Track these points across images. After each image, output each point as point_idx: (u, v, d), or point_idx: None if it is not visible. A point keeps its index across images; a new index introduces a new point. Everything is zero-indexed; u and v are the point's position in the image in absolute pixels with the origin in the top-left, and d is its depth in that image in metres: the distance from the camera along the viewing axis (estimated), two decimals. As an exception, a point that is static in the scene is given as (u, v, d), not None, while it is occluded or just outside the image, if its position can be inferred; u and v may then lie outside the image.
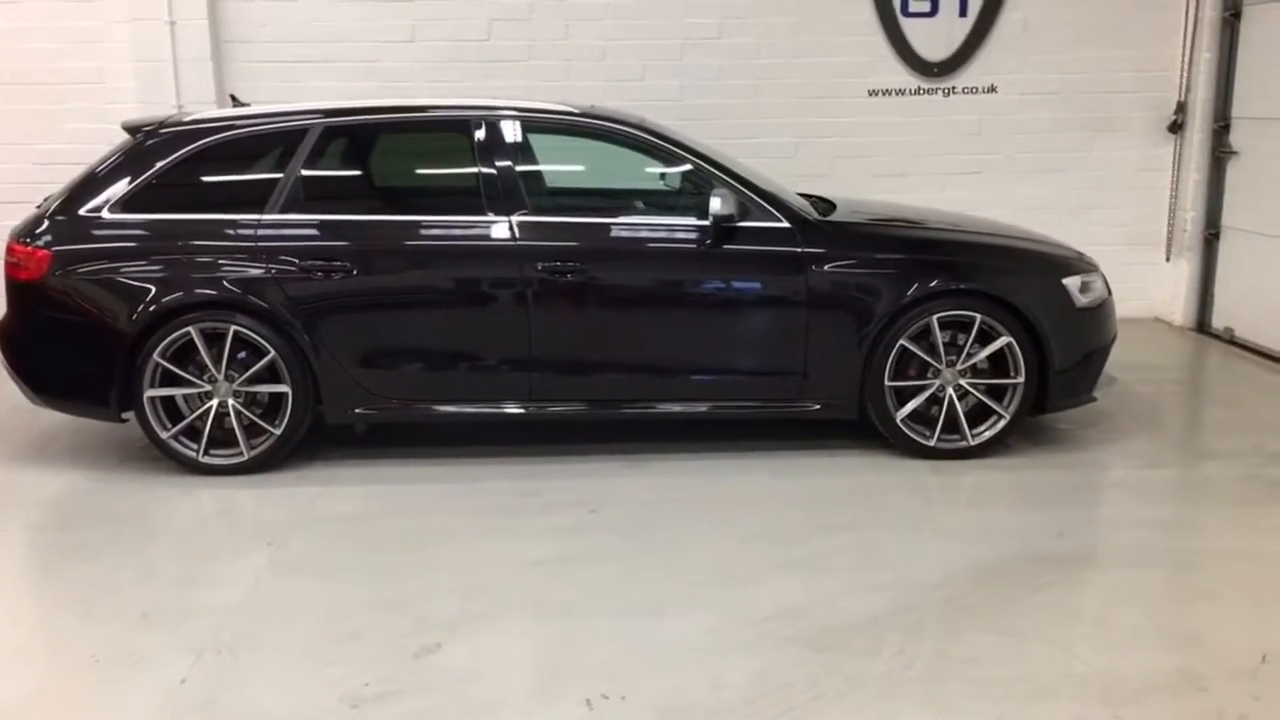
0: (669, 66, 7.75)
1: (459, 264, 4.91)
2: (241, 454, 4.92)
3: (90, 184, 4.97)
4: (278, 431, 4.91)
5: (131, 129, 5.08)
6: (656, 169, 5.17)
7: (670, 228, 5.02)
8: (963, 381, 5.03)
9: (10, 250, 4.94)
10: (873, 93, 7.88)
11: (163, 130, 5.01)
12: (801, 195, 5.72)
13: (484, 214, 4.90)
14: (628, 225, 5.06)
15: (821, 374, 5.00)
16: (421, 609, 3.64)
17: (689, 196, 5.11)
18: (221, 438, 4.95)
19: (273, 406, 4.94)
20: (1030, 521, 4.37)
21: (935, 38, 7.80)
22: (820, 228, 5.02)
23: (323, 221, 4.91)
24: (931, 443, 5.04)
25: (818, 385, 5.01)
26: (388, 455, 5.14)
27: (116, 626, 3.55)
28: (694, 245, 4.94)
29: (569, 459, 5.07)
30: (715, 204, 4.77)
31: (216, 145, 4.99)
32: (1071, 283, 5.08)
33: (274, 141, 5.01)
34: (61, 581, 3.97)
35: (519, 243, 4.86)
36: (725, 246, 4.92)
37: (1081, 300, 5.09)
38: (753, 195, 4.98)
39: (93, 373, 4.88)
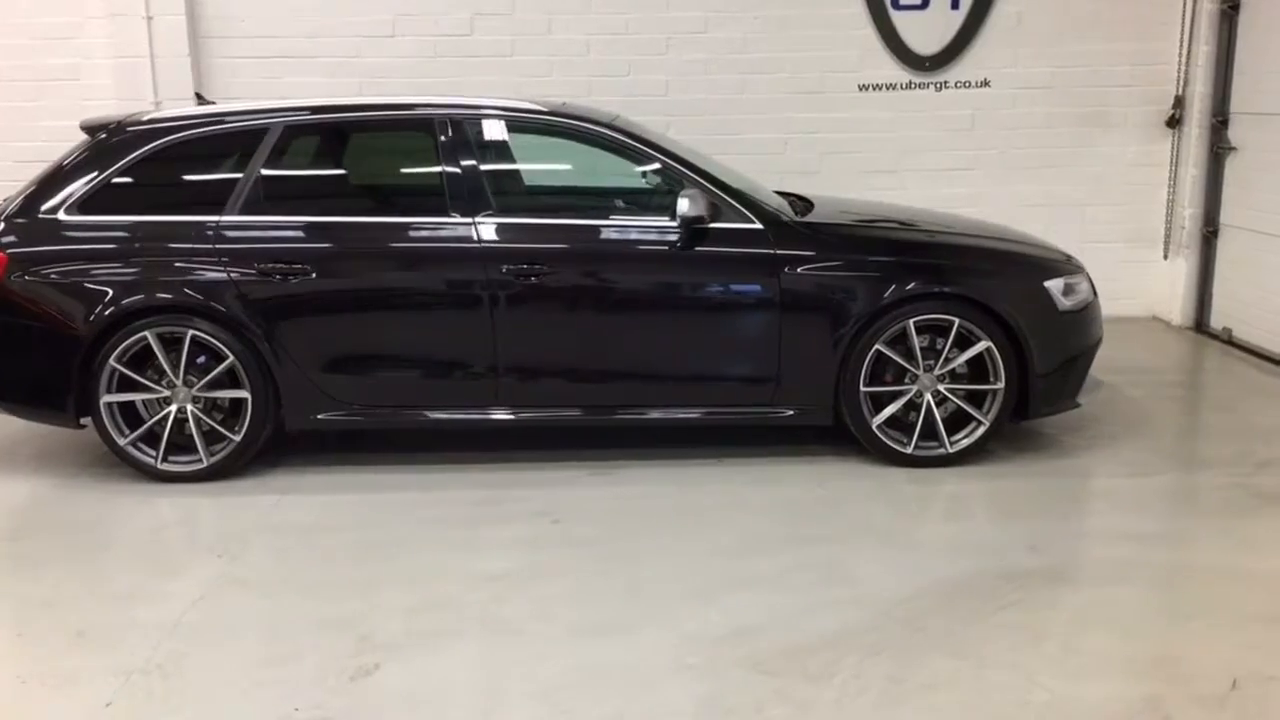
0: (654, 62, 7.61)
1: (421, 266, 4.79)
2: (201, 461, 4.81)
3: (48, 185, 4.87)
4: (237, 438, 4.80)
5: (90, 129, 4.97)
6: (627, 169, 5.02)
7: (638, 229, 4.88)
8: (941, 387, 4.89)
9: (-33, 252, 4.83)
10: (863, 87, 7.72)
11: (121, 130, 4.90)
12: (781, 194, 5.59)
13: (447, 215, 4.78)
14: (594, 227, 4.91)
15: (795, 379, 4.86)
16: (366, 627, 3.52)
17: (660, 197, 4.98)
18: (182, 444, 4.84)
19: (234, 412, 4.84)
20: (1005, 534, 4.23)
21: (927, 31, 7.64)
22: (794, 229, 4.88)
23: (281, 223, 4.79)
24: (909, 450, 4.90)
25: (791, 391, 4.88)
26: (352, 461, 5.03)
27: (50, 645, 3.45)
28: (662, 247, 4.81)
29: (536, 466, 4.95)
30: (683, 205, 4.64)
31: (175, 145, 4.87)
32: (1054, 285, 4.92)
33: (234, 141, 4.90)
34: (1, 596, 3.86)
35: (482, 244, 4.73)
36: (695, 248, 4.78)
37: (1064, 303, 4.93)
38: (724, 195, 4.83)
39: (49, 378, 4.77)
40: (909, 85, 7.73)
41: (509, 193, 5.09)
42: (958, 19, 7.63)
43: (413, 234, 4.80)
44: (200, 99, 5.70)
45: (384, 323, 4.81)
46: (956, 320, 4.80)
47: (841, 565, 3.96)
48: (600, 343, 4.84)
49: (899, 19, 7.62)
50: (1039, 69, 7.67)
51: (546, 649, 3.38)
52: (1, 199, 5.07)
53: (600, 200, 5.38)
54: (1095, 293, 5.19)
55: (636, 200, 5.21)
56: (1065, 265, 5.11)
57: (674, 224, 4.73)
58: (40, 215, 4.80)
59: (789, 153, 7.74)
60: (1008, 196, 7.76)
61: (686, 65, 7.62)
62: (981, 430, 4.90)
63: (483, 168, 4.86)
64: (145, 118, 4.97)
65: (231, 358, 4.73)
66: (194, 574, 3.94)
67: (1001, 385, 4.85)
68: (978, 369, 4.90)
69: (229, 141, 4.91)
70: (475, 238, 4.74)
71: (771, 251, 4.78)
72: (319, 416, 4.85)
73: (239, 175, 4.82)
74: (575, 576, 3.89)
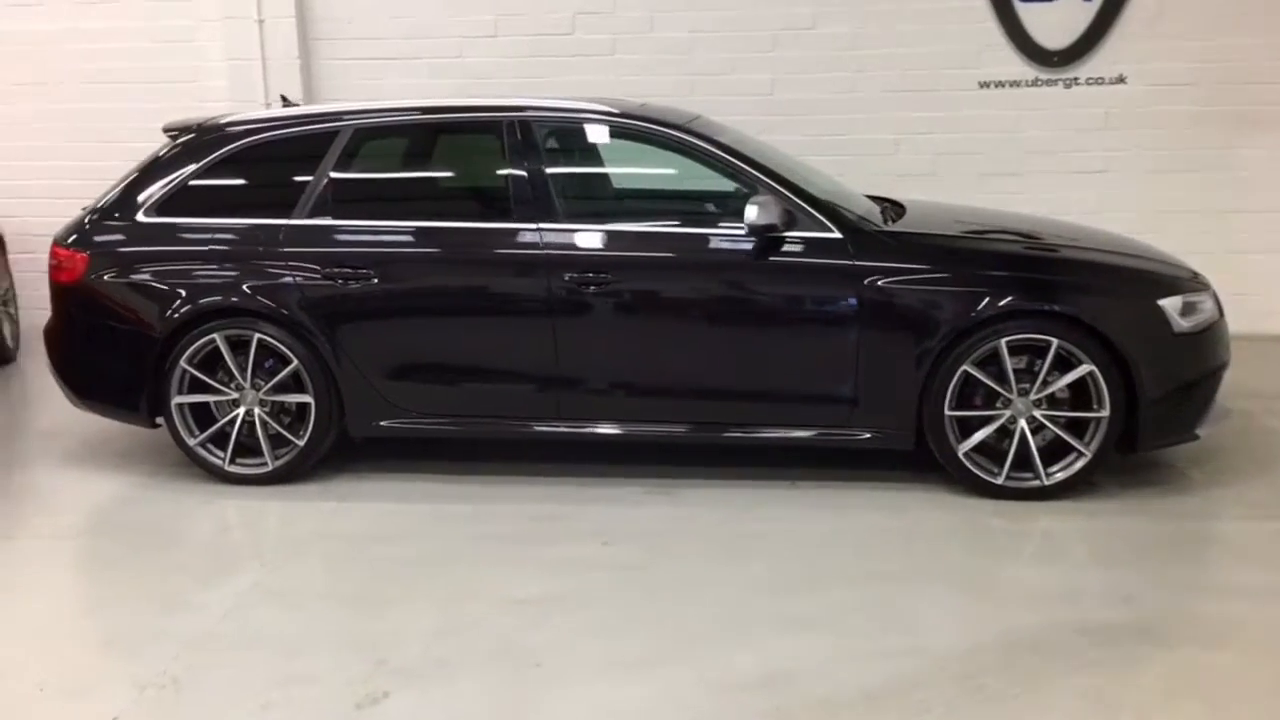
0: (759, 59, 7.32)
1: (483, 273, 4.66)
2: (266, 464, 4.79)
3: (130, 187, 4.94)
4: (300, 443, 4.76)
5: (171, 131, 5.02)
6: (701, 174, 4.76)
7: (707, 238, 4.63)
8: (1037, 413, 4.48)
9: (53, 253, 4.94)
10: (983, 84, 7.25)
11: (198, 133, 4.93)
12: (872, 199, 5.26)
13: (510, 220, 4.63)
14: (660, 234, 4.69)
15: (874, 400, 4.53)
16: (385, 650, 3.39)
17: (734, 203, 4.69)
18: (251, 447, 4.84)
19: (300, 417, 4.80)
20: (1096, 581, 3.82)
21: (1056, 23, 7.11)
22: (876, 238, 4.55)
23: (345, 227, 4.73)
24: (999, 480, 4.51)
25: (869, 412, 4.55)
26: (417, 469, 4.93)
27: (78, 652, 3.44)
28: (733, 256, 4.54)
29: (599, 481, 4.75)
30: (752, 212, 4.36)
31: (250, 148, 4.87)
32: (1170, 304, 4.45)
33: (306, 144, 4.86)
34: (48, 596, 3.90)
35: (544, 251, 4.56)
36: (769, 258, 4.50)
37: (1182, 324, 4.45)
38: (800, 202, 4.53)
39: (125, 377, 4.83)
40: (1035, 82, 7.22)
41: (577, 197, 4.89)
42: (1091, 10, 7.08)
43: (474, 239, 4.68)
44: (285, 101, 5.71)
45: (443, 329, 4.70)
46: (1055, 340, 4.38)
47: (901, 608, 3.63)
48: (662, 357, 4.61)
49: (1025, 11, 7.12)
50: (1181, 64, 7.05)
51: (559, 685, 3.18)
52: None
53: (670, 206, 5.14)
54: (1221, 312, 4.68)
55: (708, 207, 4.95)
56: (1185, 282, 4.62)
57: (744, 232, 4.46)
58: (120, 217, 4.87)
59: (900, 155, 7.34)
60: (1142, 202, 7.17)
61: (793, 63, 7.30)
62: (1082, 462, 4.47)
63: (549, 171, 4.69)
64: (222, 121, 4.98)
65: (296, 362, 4.69)
66: (235, 582, 3.89)
67: (1106, 413, 4.41)
68: (1081, 394, 4.47)
69: (301, 144, 4.87)
70: (538, 244, 4.57)
71: (850, 262, 4.47)
72: (382, 423, 4.77)
73: (309, 178, 4.78)
74: (611, 605, 3.68)
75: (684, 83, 7.34)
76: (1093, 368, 4.38)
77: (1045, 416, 4.48)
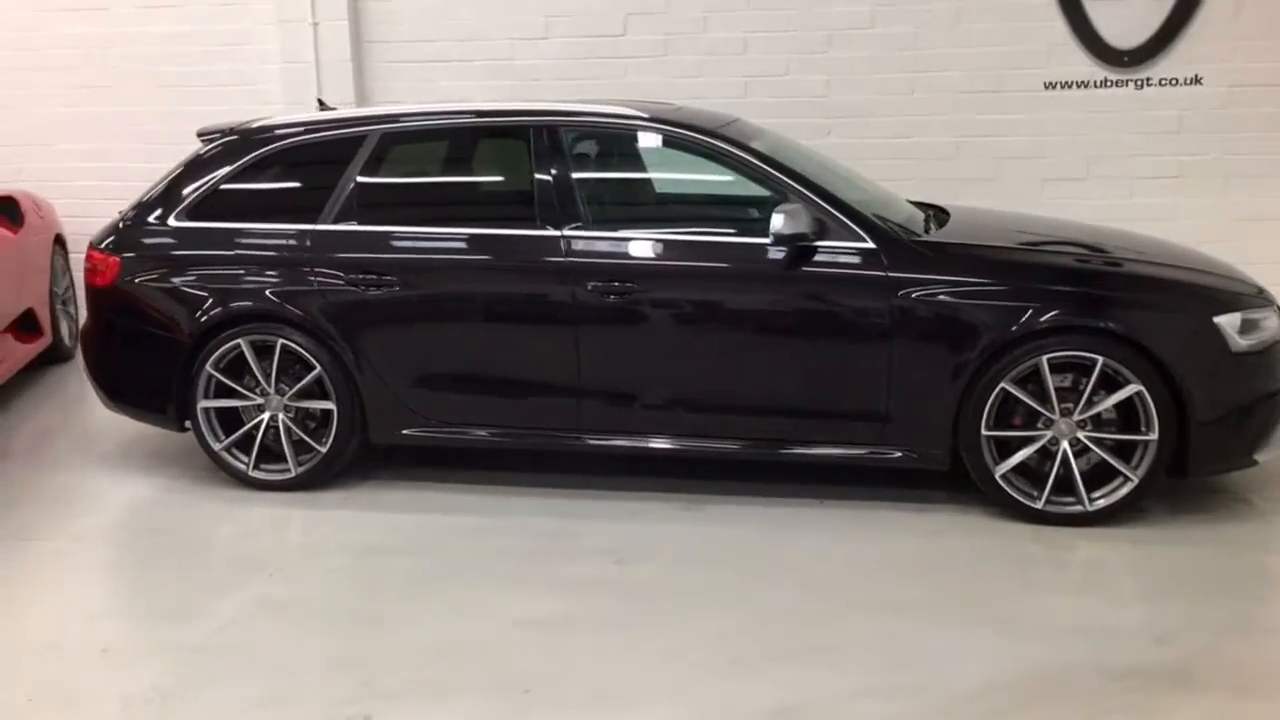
0: (814, 60, 7.11)
1: (504, 280, 4.57)
2: (289, 470, 4.77)
3: (165, 191, 4.95)
4: (323, 450, 4.72)
5: (204, 136, 5.03)
6: (734, 180, 4.60)
7: (734, 246, 4.47)
8: (1081, 435, 4.23)
9: (88, 256, 4.99)
10: (1049, 85, 6.94)
11: (229, 137, 4.92)
12: (918, 205, 5.05)
13: (534, 226, 4.52)
14: (686, 243, 4.54)
15: (906, 418, 4.33)
16: (374, 670, 3.32)
17: (766, 211, 4.52)
18: (277, 452, 4.81)
19: (324, 423, 4.76)
20: (1132, 616, 3.58)
21: (1127, 22, 6.77)
22: (911, 248, 4.34)
23: (369, 233, 4.68)
24: (1039, 505, 4.27)
25: (901, 431, 4.35)
26: (442, 478, 4.84)
27: (73, 661, 3.42)
28: (761, 266, 4.38)
29: (623, 495, 4.62)
30: (778, 221, 4.19)
31: (279, 152, 4.86)
32: (1228, 321, 4.17)
33: (334, 149, 4.81)
34: (56, 601, 3.89)
35: (568, 259, 4.46)
36: (800, 269, 4.32)
37: (1240, 343, 4.17)
38: (832, 210, 4.35)
39: (155, 381, 4.85)
40: (1104, 83, 6.89)
41: (603, 204, 4.75)
42: (1164, 8, 6.73)
43: (497, 245, 4.59)
44: (322, 105, 5.69)
45: (464, 337, 4.63)
46: (1099, 358, 4.13)
47: (919, 640, 3.44)
48: (687, 369, 4.47)
49: (1094, 9, 6.79)
50: (1262, 64, 6.67)
51: (543, 714, 3.06)
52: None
53: (699, 212, 4.98)
54: (1288, 331, 4.38)
55: (739, 214, 4.78)
56: (1247, 298, 4.32)
57: (771, 241, 4.29)
58: (152, 221, 4.89)
59: (961, 158, 7.07)
60: (1219, 209, 6.80)
61: (850, 63, 7.08)
62: (1128, 488, 4.21)
63: (576, 177, 4.58)
64: (252, 126, 4.97)
65: (319, 368, 4.65)
66: (240, 593, 3.85)
67: (1154, 437, 4.14)
68: (1129, 415, 4.21)
69: (330, 149, 4.82)
70: (561, 251, 4.47)
71: (883, 273, 4.27)
72: (405, 432, 4.71)
73: (335, 183, 4.74)
74: (613, 631, 3.55)
75: (737, 84, 7.17)
76: (1140, 388, 4.12)
77: (1089, 438, 4.23)
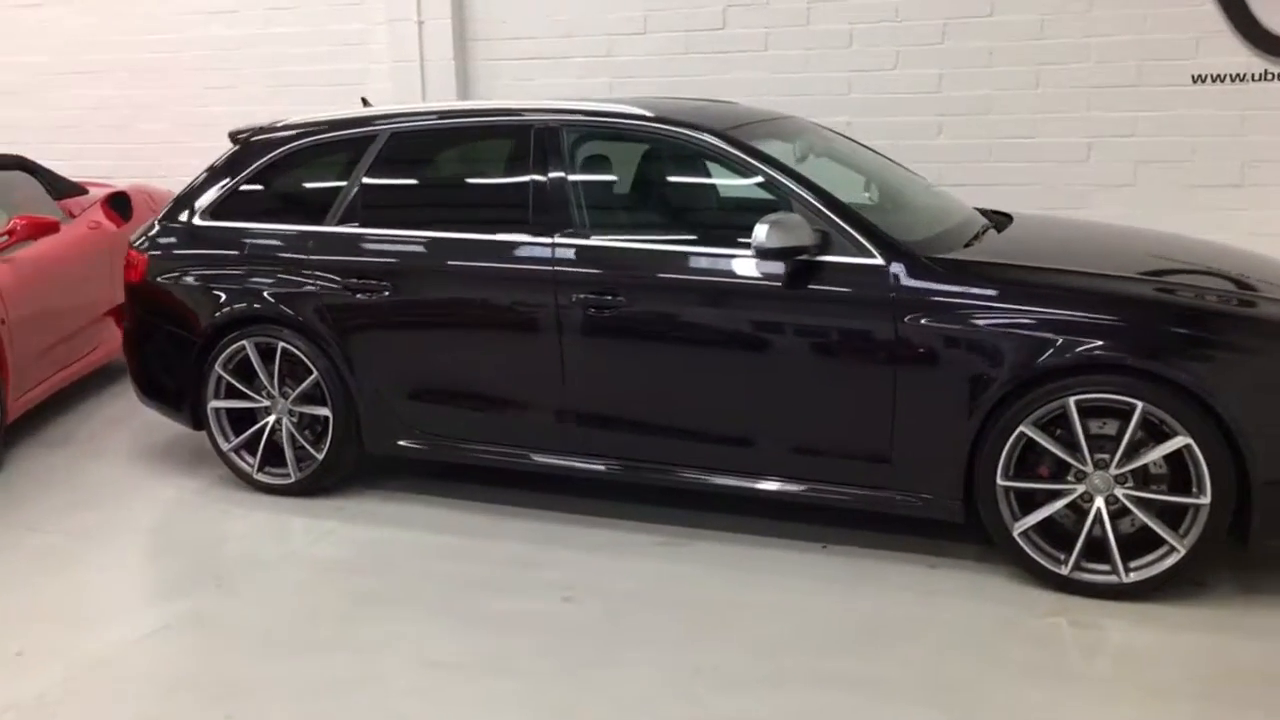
0: (926, 53, 6.48)
1: (493, 290, 4.31)
2: (289, 476, 4.69)
3: (193, 191, 4.99)
4: (319, 457, 4.62)
5: (235, 136, 5.03)
6: (742, 186, 4.17)
7: (728, 259, 4.02)
8: (1119, 491, 3.57)
9: (127, 253, 5.09)
10: (1198, 79, 6.05)
11: (252, 138, 4.90)
12: (983, 211, 4.48)
13: (525, 232, 4.25)
14: (674, 254, 4.14)
15: (911, 461, 3.79)
16: (251, 703, 3.15)
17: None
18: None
19: (326, 430, 4.66)
20: (1141, 722, 2.95)
21: (1294, 4, 5.82)
22: (924, 265, 3.78)
23: (366, 236, 4.53)
24: (1064, 571, 3.64)
25: (907, 475, 3.81)
26: (447, 492, 4.64)
27: (-16, 664, 3.42)
28: (758, 283, 3.93)
29: (607, 524, 4.28)
30: (760, 233, 3.73)
31: (295, 153, 4.79)
32: (1310, 364, 3.41)
33: (344, 149, 4.71)
34: (7, 601, 3.89)
35: (555, 268, 4.16)
36: (804, 286, 3.85)
37: (1325, 390, 3.41)
38: (838, 221, 3.86)
39: (173, 378, 4.89)
40: (1264, 76, 5.94)
41: (598, 209, 4.38)
42: (1340, -14, 5.74)
43: (485, 253, 4.34)
44: (365, 104, 5.59)
45: (454, 350, 4.41)
46: (1139, 404, 3.47)
47: (846, 725, 2.95)
48: (674, 393, 4.09)
49: (1254, -9, 5.87)
50: None
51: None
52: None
53: (703, 220, 4.54)
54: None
55: (745, 223, 4.31)
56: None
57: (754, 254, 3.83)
58: (180, 220, 4.93)
59: (1094, 162, 6.28)
60: (1404, 223, 5.75)
61: (966, 55, 6.41)
62: (1174, 559, 3.52)
63: (572, 180, 4.27)
64: (277, 125, 4.92)
65: (315, 373, 4.55)
66: (176, 604, 3.79)
67: (1206, 500, 3.44)
68: (1183, 471, 3.52)
69: (342, 149, 4.72)
70: (550, 259, 4.17)
71: (889, 294, 3.75)
72: (400, 443, 4.54)
73: (343, 185, 4.63)
74: (517, 679, 3.24)
75: (840, 80, 6.67)
76: (1189, 440, 3.43)
77: (1129, 496, 3.56)
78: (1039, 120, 6.35)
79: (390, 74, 7.69)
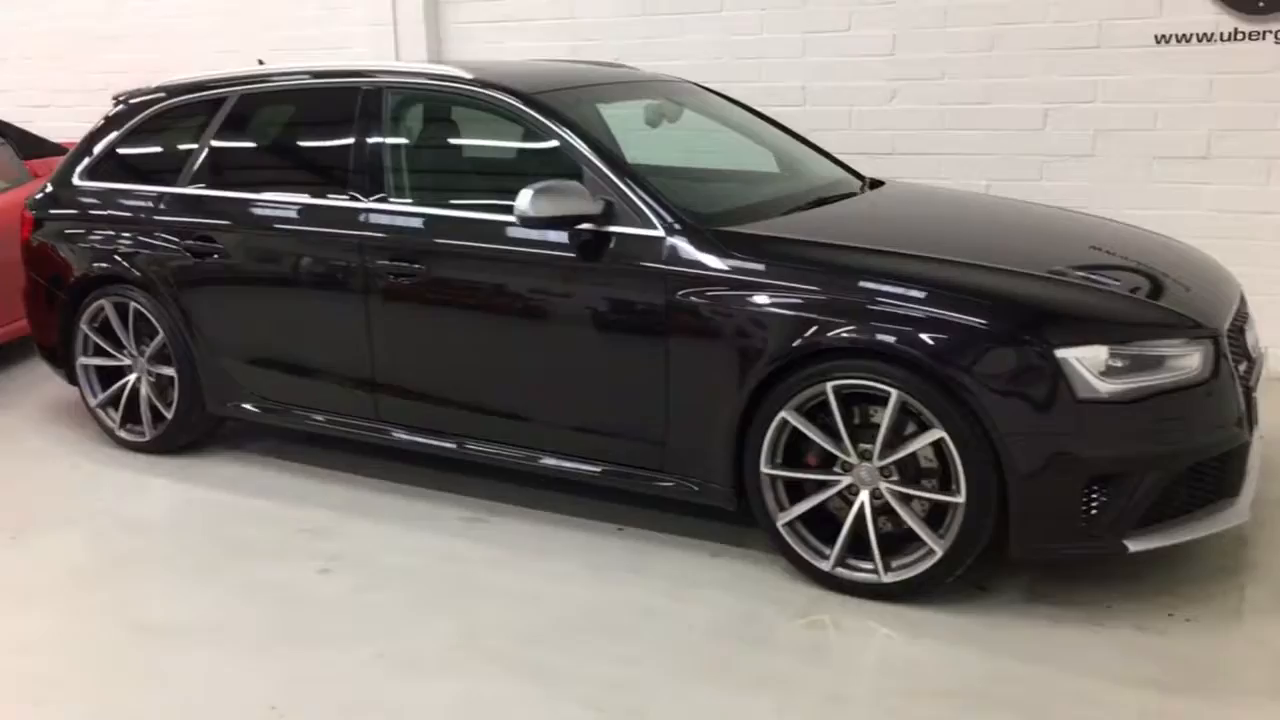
0: (880, 11, 6.11)
1: (310, 255, 4.25)
2: (144, 434, 4.77)
3: (78, 152, 5.07)
4: (168, 416, 4.68)
5: (115, 97, 5.10)
6: (548, 150, 3.98)
7: (510, 227, 3.83)
8: (883, 485, 3.30)
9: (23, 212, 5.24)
10: (1162, 39, 5.53)
11: (127, 100, 4.96)
12: (872, 181, 4.28)
13: (340, 196, 4.18)
14: (471, 221, 3.99)
15: (682, 444, 3.59)
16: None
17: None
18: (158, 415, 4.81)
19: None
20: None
21: (1270, -45, 5.25)
22: (707, 239, 3.54)
23: (203, 198, 4.54)
24: (826, 566, 3.39)
25: (680, 458, 3.61)
26: (312, 459, 4.61)
27: None
28: (549, 254, 3.75)
29: (428, 495, 4.21)
30: (523, 200, 3.55)
31: (159, 114, 4.82)
32: (1082, 355, 3.06)
33: (199, 111, 4.71)
34: None
35: (363, 232, 4.08)
36: (596, 258, 3.66)
37: (1097, 387, 3.05)
38: (625, 191, 3.65)
39: (51, 335, 5.02)
40: (1233, 35, 5.38)
41: (412, 173, 4.23)
42: (1320, -65, 5.14)
43: (303, 216, 4.28)
44: (260, 65, 5.58)
45: (275, 314, 4.38)
46: (894, 390, 3.19)
47: (493, 709, 2.81)
48: (471, 364, 3.97)
49: (1224, -60, 5.32)
50: None
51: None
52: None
53: (509, 186, 4.33)
54: (1213, 379, 3.16)
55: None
56: (1133, 328, 3.16)
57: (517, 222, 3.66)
58: (60, 180, 5.03)
59: (1050, 130, 5.82)
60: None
61: (918, 14, 6.01)
62: (932, 560, 3.24)
63: (389, 144, 4.18)
64: (149, 88, 4.96)
65: (162, 333, 4.61)
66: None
67: (961, 499, 3.15)
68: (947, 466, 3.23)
69: (196, 112, 4.73)
70: (361, 224, 4.10)
71: (662, 266, 3.54)
72: (240, 405, 4.56)
73: (193, 147, 4.65)
74: (216, 651, 3.20)
75: (795, 41, 6.34)
76: (943, 433, 3.14)
77: (891, 491, 3.29)
78: (993, 86, 5.92)
79: (366, 38, 7.69)
